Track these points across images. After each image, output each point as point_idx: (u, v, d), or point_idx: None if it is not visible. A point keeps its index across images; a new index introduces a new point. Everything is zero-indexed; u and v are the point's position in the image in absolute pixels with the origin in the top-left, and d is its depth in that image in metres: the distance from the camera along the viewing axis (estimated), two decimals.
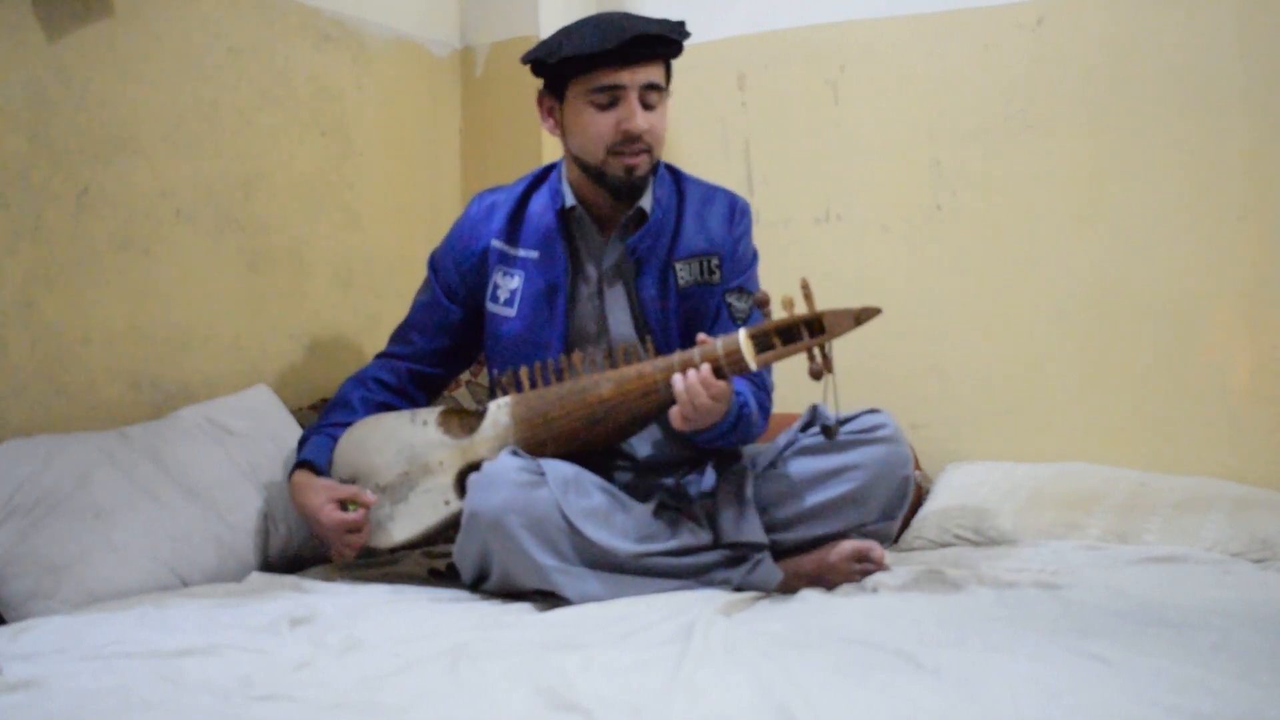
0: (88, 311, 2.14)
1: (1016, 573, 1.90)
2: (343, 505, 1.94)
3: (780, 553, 1.89)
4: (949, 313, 2.64)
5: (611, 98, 1.90)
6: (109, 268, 2.17)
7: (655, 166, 1.99)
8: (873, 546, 1.90)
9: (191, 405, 2.20)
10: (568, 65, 1.91)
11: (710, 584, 1.82)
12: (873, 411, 1.93)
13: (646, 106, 1.93)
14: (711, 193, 2.06)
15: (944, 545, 2.26)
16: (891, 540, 2.00)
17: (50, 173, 2.08)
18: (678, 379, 1.76)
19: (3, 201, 2.01)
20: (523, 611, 1.74)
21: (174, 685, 1.34)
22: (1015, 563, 2.01)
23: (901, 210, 2.68)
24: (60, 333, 2.09)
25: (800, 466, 1.91)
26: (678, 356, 1.81)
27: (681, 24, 1.95)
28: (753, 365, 1.74)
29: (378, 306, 2.69)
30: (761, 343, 1.75)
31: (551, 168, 2.08)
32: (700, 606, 1.65)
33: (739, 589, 1.83)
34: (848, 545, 1.89)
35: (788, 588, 1.86)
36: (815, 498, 1.89)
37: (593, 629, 1.59)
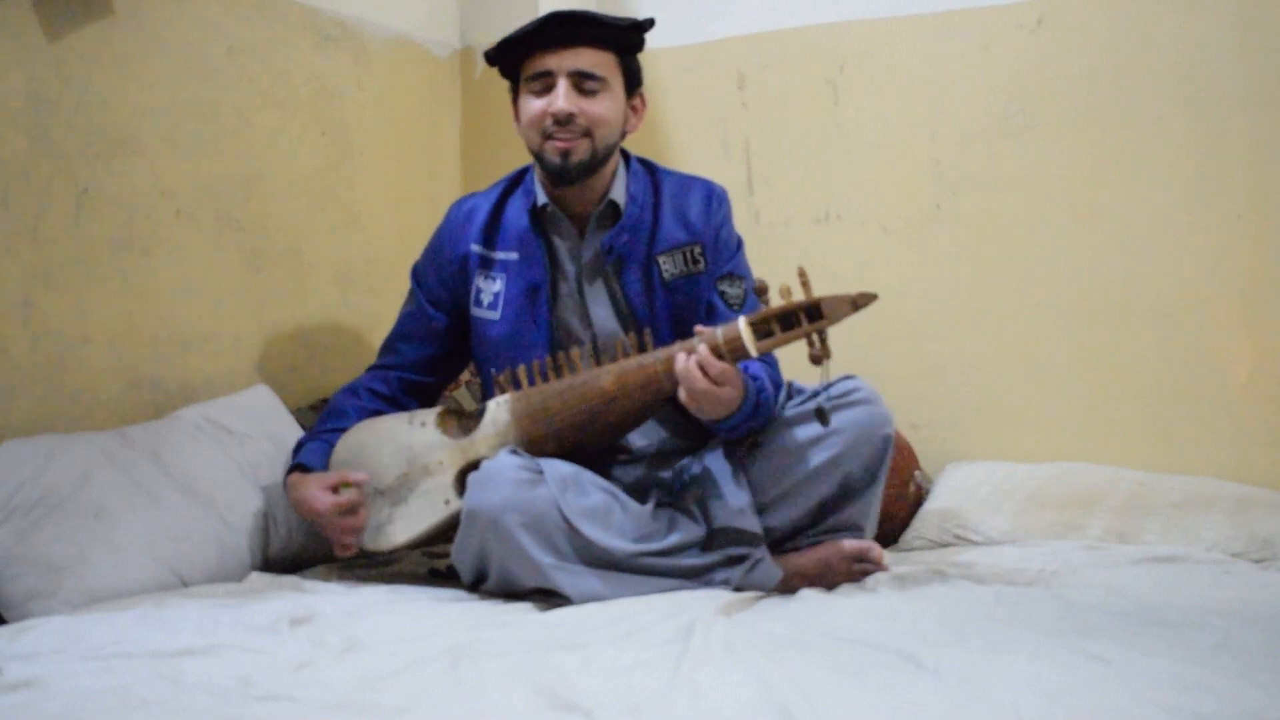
0: (88, 311, 2.14)
1: (1016, 573, 1.90)
2: (335, 492, 1.94)
3: (780, 551, 1.90)
4: (949, 313, 2.63)
5: (544, 84, 1.95)
6: (109, 268, 2.17)
7: (596, 159, 1.96)
8: (872, 546, 1.90)
9: (191, 405, 2.21)
10: (507, 57, 1.98)
11: (710, 584, 1.83)
12: (846, 378, 1.93)
13: (584, 92, 1.94)
14: (688, 183, 2.06)
15: (944, 545, 2.26)
16: (877, 517, 1.98)
17: (50, 173, 2.08)
18: (680, 358, 1.77)
19: (3, 201, 2.01)
20: (523, 611, 1.74)
21: (173, 685, 1.34)
22: (1015, 563, 2.01)
23: (901, 210, 2.68)
24: (60, 333, 2.09)
25: (782, 440, 1.91)
26: (678, 346, 1.81)
27: (637, 21, 1.97)
28: (753, 352, 1.75)
29: (378, 306, 2.69)
30: (761, 329, 1.76)
31: (526, 170, 2.10)
32: (700, 606, 1.65)
33: (739, 589, 1.83)
34: (847, 545, 1.89)
35: (787, 587, 1.86)
36: (801, 468, 1.89)
37: (593, 629, 1.59)
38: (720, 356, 1.76)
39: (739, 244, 2.08)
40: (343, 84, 2.64)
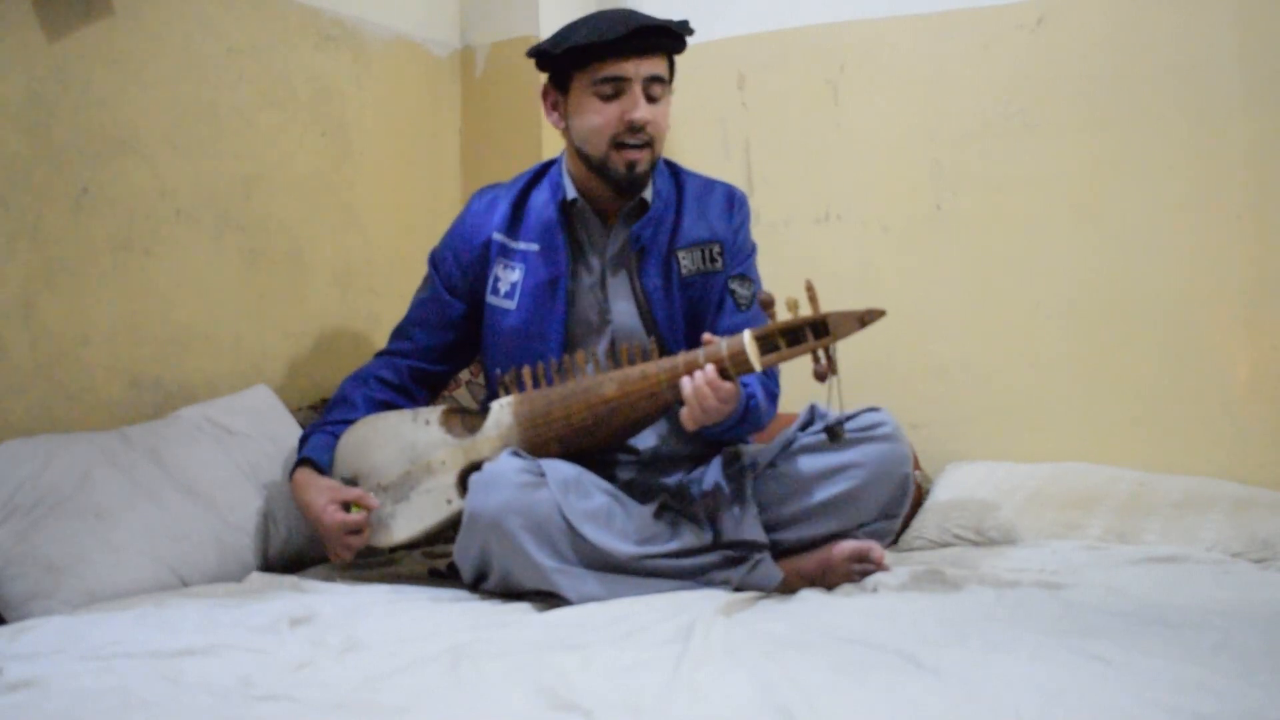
0: (88, 311, 2.14)
1: (1016, 573, 1.90)
2: (345, 507, 1.94)
3: (780, 552, 1.90)
4: (949, 313, 2.63)
5: (616, 89, 1.93)
6: (109, 268, 2.17)
7: (654, 168, 2.00)
8: (873, 546, 1.90)
9: (191, 405, 2.21)
10: (573, 56, 1.93)
11: (710, 584, 1.83)
12: (872, 410, 1.93)
13: (650, 99, 1.95)
14: (709, 185, 2.08)
15: (944, 545, 2.25)
16: (892, 539, 1.99)
17: (50, 173, 2.08)
18: (686, 382, 1.77)
19: (3, 201, 2.01)
20: (523, 611, 1.74)
21: (174, 685, 1.34)
22: (1015, 563, 2.01)
23: (901, 210, 2.68)
24: (60, 333, 2.09)
25: (800, 465, 1.91)
26: (682, 358, 1.81)
27: (685, 22, 1.98)
28: (757, 366, 1.75)
29: (378, 306, 2.69)
30: (766, 344, 1.75)
31: (552, 163, 2.10)
32: (700, 606, 1.65)
33: (739, 589, 1.83)
34: (848, 545, 1.89)
35: (788, 588, 1.86)
36: (815, 496, 1.89)
37: (593, 629, 1.59)
38: (724, 370, 1.76)
39: (753, 249, 2.10)
40: (343, 84, 2.64)
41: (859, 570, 1.89)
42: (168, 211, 2.27)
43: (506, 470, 1.79)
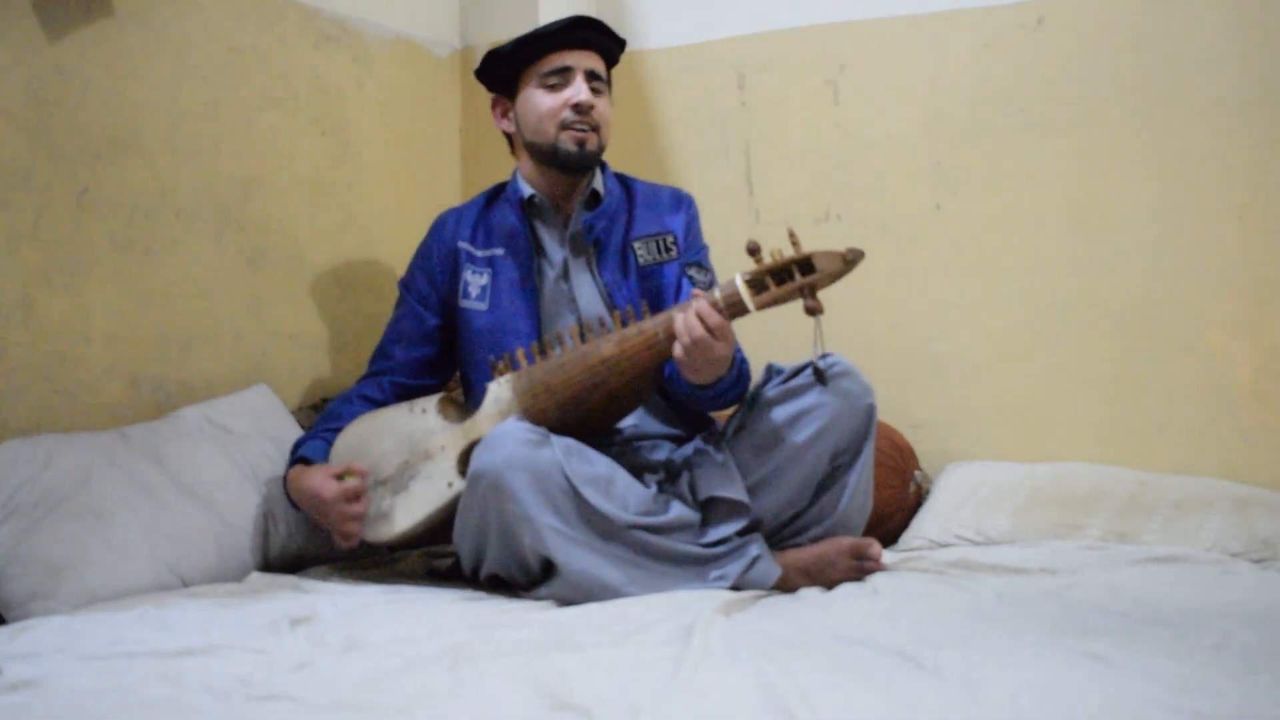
0: (88, 311, 2.14)
1: (1016, 573, 1.90)
2: (339, 480, 1.96)
3: (778, 547, 1.90)
4: (949, 313, 2.63)
5: (561, 79, 2.07)
6: (109, 268, 2.17)
7: (601, 153, 2.11)
8: (872, 543, 1.90)
9: (191, 405, 2.21)
10: (521, 53, 2.07)
11: (705, 579, 1.83)
12: (823, 355, 1.96)
13: (595, 93, 2.08)
14: (656, 188, 2.21)
15: (944, 545, 2.26)
16: (870, 500, 2.00)
17: (50, 173, 2.08)
18: (679, 317, 1.81)
19: (3, 201, 2.01)
20: (523, 611, 1.74)
21: (174, 685, 1.34)
22: (1015, 563, 2.01)
23: (901, 210, 2.68)
24: (60, 333, 2.09)
25: (767, 419, 1.94)
26: (677, 308, 1.86)
27: (621, 39, 2.15)
28: (751, 307, 1.79)
29: (378, 306, 2.69)
30: (757, 285, 1.80)
31: (505, 184, 2.20)
32: (699, 607, 1.65)
33: (737, 588, 1.83)
34: (845, 541, 1.90)
35: (786, 585, 1.86)
36: (788, 444, 1.91)
37: (593, 629, 1.59)
38: (719, 314, 1.81)
39: (705, 248, 2.19)
40: (343, 84, 2.64)
41: (856, 567, 1.89)
42: (168, 211, 2.27)
43: (512, 430, 1.82)
